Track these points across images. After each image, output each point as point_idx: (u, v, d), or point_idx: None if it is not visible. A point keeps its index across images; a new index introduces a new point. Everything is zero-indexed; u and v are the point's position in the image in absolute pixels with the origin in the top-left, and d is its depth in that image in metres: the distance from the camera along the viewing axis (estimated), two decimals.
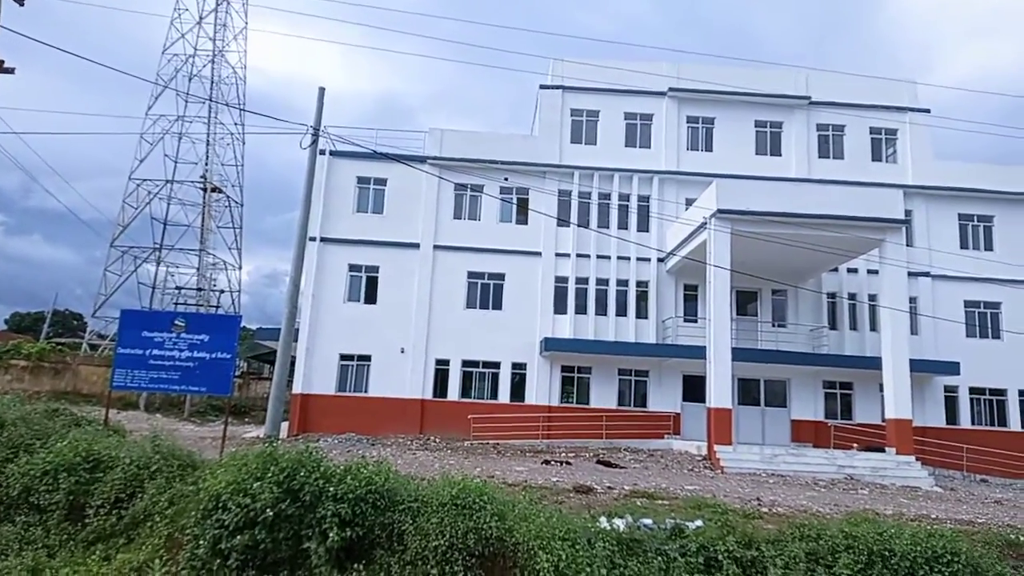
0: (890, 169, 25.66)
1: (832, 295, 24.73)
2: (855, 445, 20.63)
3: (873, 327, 23.42)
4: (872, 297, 23.15)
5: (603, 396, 23.78)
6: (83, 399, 28.11)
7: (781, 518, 10.45)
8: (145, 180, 40.84)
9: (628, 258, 24.57)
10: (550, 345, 23.09)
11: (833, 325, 24.54)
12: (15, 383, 30.18)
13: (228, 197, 43.67)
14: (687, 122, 25.99)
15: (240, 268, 45.67)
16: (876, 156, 26.01)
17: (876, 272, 21.02)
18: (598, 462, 18.31)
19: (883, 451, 19.50)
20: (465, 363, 23.90)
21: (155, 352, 11.48)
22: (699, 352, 20.31)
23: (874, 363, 20.86)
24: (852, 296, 24.70)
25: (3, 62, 14.81)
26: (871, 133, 25.97)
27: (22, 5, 15.27)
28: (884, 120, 25.93)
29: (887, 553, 7.68)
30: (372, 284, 24.42)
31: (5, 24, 14.76)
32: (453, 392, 23.66)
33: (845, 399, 23.99)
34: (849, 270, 24.40)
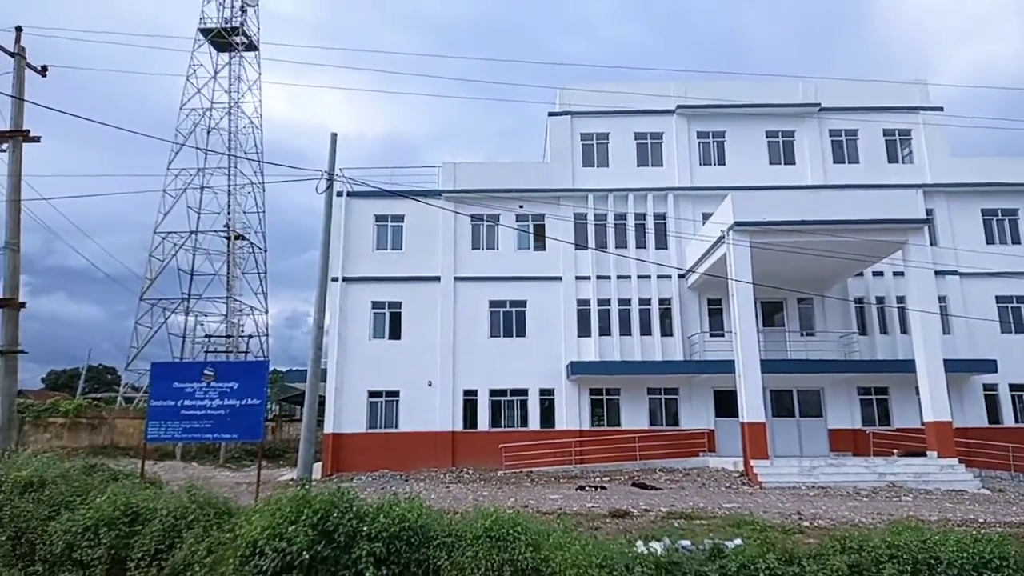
0: (907, 170, 25.42)
1: (859, 300, 24.40)
2: (895, 451, 20.22)
3: (904, 330, 22.93)
4: (900, 299, 22.76)
5: (634, 417, 23.58)
6: (121, 452, 28.52)
7: (822, 531, 10.25)
8: (170, 233, 41.77)
9: (648, 276, 24.50)
10: (576, 369, 23.02)
11: (863, 330, 24.19)
12: (54, 440, 30.68)
13: (251, 243, 44.46)
14: (698, 137, 26.07)
15: (267, 312, 46.32)
16: (892, 158, 25.81)
17: (902, 274, 20.74)
18: (633, 484, 18.13)
19: (924, 455, 19.07)
20: (493, 392, 23.88)
21: (187, 402, 11.65)
22: (728, 366, 20.11)
23: (908, 366, 20.45)
24: (880, 300, 24.34)
25: (28, 131, 15.37)
26: (885, 135, 25.80)
27: (44, 76, 15.92)
28: (897, 121, 25.76)
29: (932, 561, 7.48)
30: (396, 320, 24.61)
31: (29, 92, 15.37)
32: (483, 422, 23.63)
33: (882, 404, 23.54)
34: (875, 273, 24.07)
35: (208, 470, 26.14)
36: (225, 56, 44.19)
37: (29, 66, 15.33)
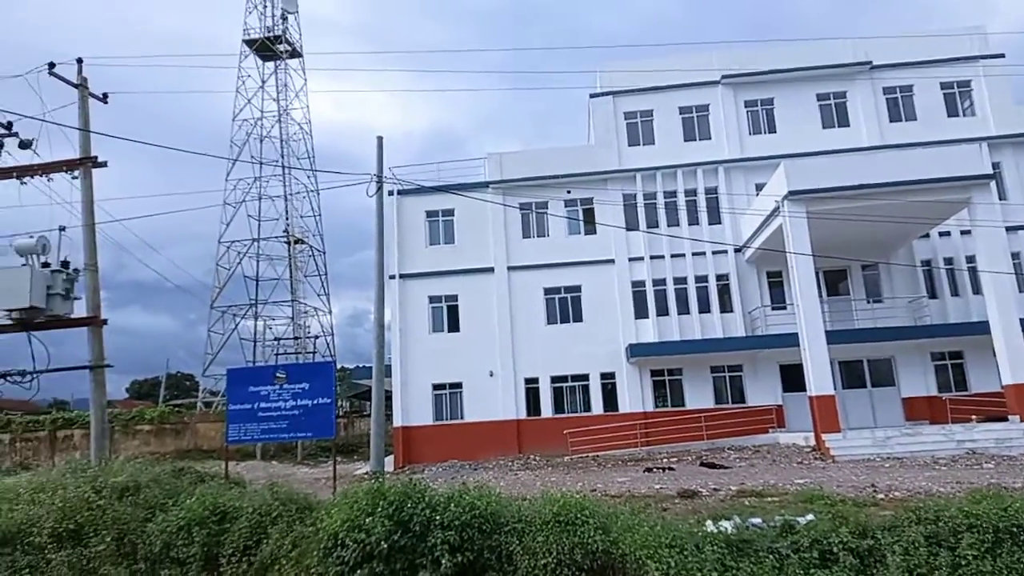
0: (969, 123, 24.28)
1: (927, 263, 23.52)
2: (974, 417, 19.48)
3: (976, 290, 21.98)
4: (970, 259, 21.81)
5: (698, 396, 23.41)
6: (204, 455, 29.83)
7: (898, 503, 10.08)
8: (234, 242, 43.30)
9: (703, 253, 24.15)
10: (636, 351, 22.96)
11: (933, 294, 23.35)
12: (143, 447, 32.37)
13: (311, 247, 45.74)
14: (745, 107, 25.49)
15: (330, 312, 47.60)
16: (952, 112, 24.70)
17: (970, 232, 19.89)
18: (701, 464, 18.04)
19: (1006, 420, 18.34)
20: (554, 379, 24.05)
21: (262, 405, 12.20)
22: (793, 340, 19.73)
23: (983, 328, 19.60)
24: (949, 261, 23.41)
25: (96, 157, 16.19)
26: (943, 89, 24.69)
27: (106, 103, 16.71)
28: (955, 73, 24.58)
29: (1015, 530, 7.27)
30: (453, 313, 25.00)
31: (92, 119, 16.16)
32: (546, 409, 23.85)
33: (957, 369, 22.71)
34: (941, 234, 23.18)
35: (287, 467, 27.18)
36: (271, 65, 45.33)
37: (91, 95, 16.13)
